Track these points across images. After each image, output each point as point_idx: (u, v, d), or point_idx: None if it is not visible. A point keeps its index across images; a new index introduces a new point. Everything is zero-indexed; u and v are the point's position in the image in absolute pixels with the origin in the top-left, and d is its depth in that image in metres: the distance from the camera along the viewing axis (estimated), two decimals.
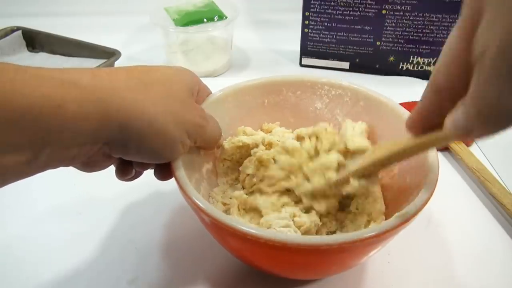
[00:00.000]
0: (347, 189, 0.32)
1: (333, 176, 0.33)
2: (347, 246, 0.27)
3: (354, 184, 0.32)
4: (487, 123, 0.20)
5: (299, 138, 0.39)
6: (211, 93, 0.39)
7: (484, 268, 0.38)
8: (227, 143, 0.39)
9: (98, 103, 0.25)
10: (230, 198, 0.38)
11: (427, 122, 0.26)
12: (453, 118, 0.22)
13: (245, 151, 0.40)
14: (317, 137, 0.40)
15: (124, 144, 0.27)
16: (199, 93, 0.35)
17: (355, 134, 0.36)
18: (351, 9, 0.62)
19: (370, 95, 0.40)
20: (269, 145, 0.40)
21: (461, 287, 0.36)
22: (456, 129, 0.22)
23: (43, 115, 0.22)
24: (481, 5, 0.20)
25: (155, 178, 0.34)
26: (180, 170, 0.31)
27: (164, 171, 0.33)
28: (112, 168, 0.32)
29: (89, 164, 0.30)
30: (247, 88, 0.42)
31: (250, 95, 0.42)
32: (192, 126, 0.31)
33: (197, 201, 0.29)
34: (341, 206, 0.36)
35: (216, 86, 0.40)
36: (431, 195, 0.29)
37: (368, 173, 0.32)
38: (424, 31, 0.61)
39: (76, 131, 0.24)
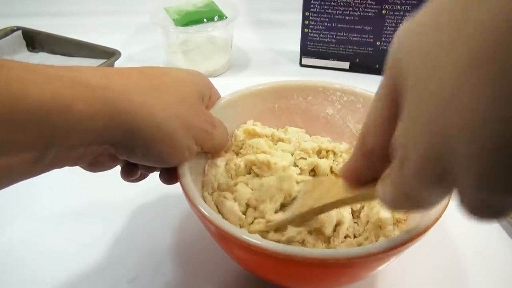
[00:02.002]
0: (287, 235, 0.32)
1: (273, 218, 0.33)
2: (355, 261, 0.26)
3: (291, 232, 0.31)
4: (411, 207, 0.20)
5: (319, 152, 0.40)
6: (220, 96, 0.38)
7: (484, 267, 0.38)
8: (239, 130, 0.39)
9: (106, 104, 0.24)
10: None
11: (360, 179, 0.26)
12: (383, 190, 0.22)
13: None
14: (334, 153, 0.40)
15: (130, 146, 0.27)
16: (211, 97, 0.35)
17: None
18: (351, 9, 0.62)
19: None
20: (280, 140, 0.40)
21: (461, 287, 0.36)
22: (385, 202, 0.22)
23: (52, 115, 0.22)
24: (402, 83, 0.18)
25: (157, 178, 0.34)
26: (186, 177, 0.31)
27: (170, 175, 0.32)
28: (115, 171, 0.32)
29: (95, 165, 0.29)
30: (257, 92, 0.41)
31: (260, 99, 0.41)
32: (200, 132, 0.30)
33: (202, 210, 0.29)
34: None
35: (216, 86, 0.39)
36: (443, 211, 0.28)
37: (304, 220, 0.31)
38: None
39: (83, 131, 0.24)
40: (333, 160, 0.40)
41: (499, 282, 0.37)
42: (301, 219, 0.31)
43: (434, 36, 0.16)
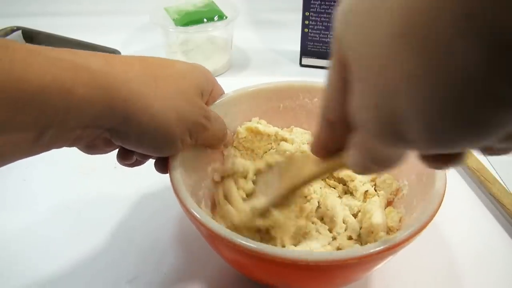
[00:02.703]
0: (267, 221, 0.32)
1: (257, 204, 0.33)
2: (348, 262, 0.26)
3: (276, 215, 0.32)
4: (377, 167, 0.22)
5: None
6: (224, 93, 0.38)
7: (484, 268, 0.38)
8: (241, 128, 0.39)
9: (105, 90, 0.25)
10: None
11: (328, 150, 0.27)
12: (351, 157, 0.23)
13: (257, 140, 0.40)
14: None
15: (124, 133, 0.28)
16: (213, 92, 0.36)
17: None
18: None
19: None
20: (283, 140, 0.40)
21: (460, 287, 0.36)
22: (355, 168, 0.23)
23: (52, 97, 0.23)
24: (345, 57, 0.19)
25: (156, 178, 0.34)
26: (176, 170, 0.31)
27: (165, 165, 0.33)
28: (114, 169, 0.32)
29: (91, 147, 0.30)
30: (262, 91, 0.41)
31: (265, 98, 0.41)
32: (194, 125, 0.31)
33: (188, 205, 0.29)
34: None
35: None
36: (435, 212, 0.28)
37: (286, 200, 0.32)
38: None
39: (81, 114, 0.24)
40: None
41: (500, 282, 0.37)
42: (283, 200, 0.32)
43: (365, 10, 0.17)
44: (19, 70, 0.21)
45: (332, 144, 0.26)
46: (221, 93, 0.38)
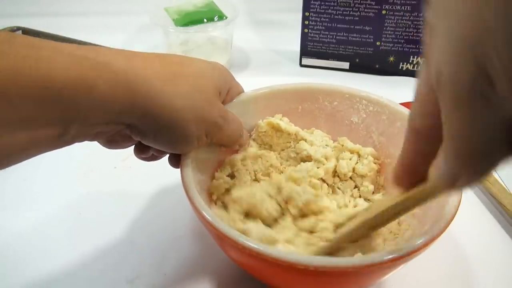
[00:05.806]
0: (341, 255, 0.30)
1: (324, 240, 0.31)
2: (360, 270, 0.25)
3: (348, 250, 0.30)
4: (468, 165, 0.18)
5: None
6: (243, 91, 0.38)
7: (484, 268, 0.38)
8: (263, 122, 0.39)
9: (127, 88, 0.25)
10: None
11: (413, 174, 0.24)
12: (437, 167, 0.20)
13: (277, 136, 0.40)
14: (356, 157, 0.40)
15: (143, 129, 0.28)
16: (230, 91, 0.36)
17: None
18: (351, 9, 0.62)
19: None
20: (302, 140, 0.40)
21: (460, 287, 0.36)
22: (440, 178, 0.20)
23: (76, 94, 0.23)
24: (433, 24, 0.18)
25: (156, 178, 0.34)
26: (187, 168, 0.31)
27: (178, 160, 0.33)
28: (114, 169, 0.32)
29: (111, 142, 0.31)
30: (281, 92, 0.41)
31: (284, 99, 0.41)
32: (211, 125, 0.31)
33: (196, 202, 0.29)
34: None
35: None
36: (452, 219, 0.28)
37: (358, 237, 0.30)
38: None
39: (103, 111, 0.25)
40: (357, 162, 0.40)
41: (500, 283, 0.37)
42: (354, 236, 0.30)
43: None
44: (44, 68, 0.22)
45: (417, 165, 0.24)
46: (240, 91, 0.38)
